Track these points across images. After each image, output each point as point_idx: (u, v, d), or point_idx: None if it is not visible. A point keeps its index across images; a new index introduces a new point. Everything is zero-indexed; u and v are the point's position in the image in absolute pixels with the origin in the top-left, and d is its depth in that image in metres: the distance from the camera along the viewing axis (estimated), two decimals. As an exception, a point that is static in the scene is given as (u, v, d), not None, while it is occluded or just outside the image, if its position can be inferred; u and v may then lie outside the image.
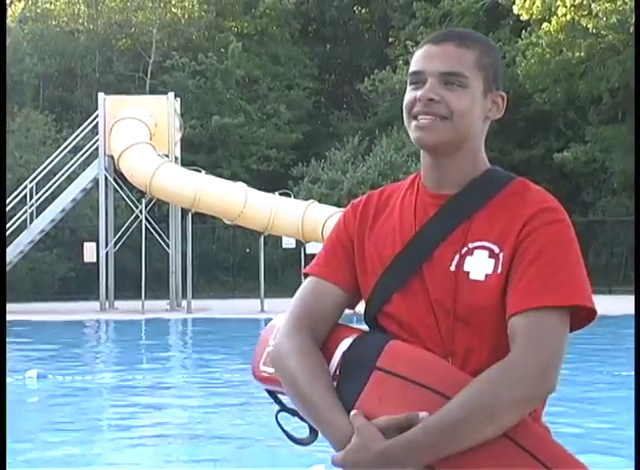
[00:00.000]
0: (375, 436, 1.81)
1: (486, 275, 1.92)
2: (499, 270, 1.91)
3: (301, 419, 2.04)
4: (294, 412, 2.06)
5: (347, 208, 2.15)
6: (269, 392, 2.13)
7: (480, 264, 1.93)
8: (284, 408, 2.10)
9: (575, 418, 8.47)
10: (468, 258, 1.94)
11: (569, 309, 1.87)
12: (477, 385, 1.82)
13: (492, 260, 1.93)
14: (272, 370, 2.06)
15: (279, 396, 2.11)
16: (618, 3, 28.56)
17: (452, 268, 1.95)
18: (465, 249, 1.95)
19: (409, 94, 2.00)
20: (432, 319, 1.95)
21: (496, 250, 1.93)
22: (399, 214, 2.05)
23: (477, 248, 1.95)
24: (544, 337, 1.84)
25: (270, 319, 2.25)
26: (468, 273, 1.93)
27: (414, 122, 1.98)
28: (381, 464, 1.79)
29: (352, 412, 1.86)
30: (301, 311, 2.05)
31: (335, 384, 1.94)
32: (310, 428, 2.04)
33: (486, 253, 1.93)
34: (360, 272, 2.07)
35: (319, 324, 2.03)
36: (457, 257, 1.95)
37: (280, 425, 2.09)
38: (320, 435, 2.01)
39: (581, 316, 1.90)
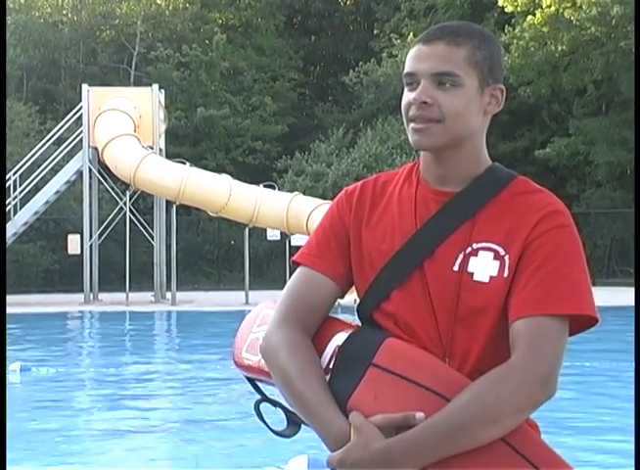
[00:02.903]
0: (375, 434, 1.79)
1: (491, 277, 1.91)
2: (505, 274, 1.90)
3: (283, 410, 2.02)
4: (275, 403, 2.04)
5: (341, 195, 2.10)
6: (249, 379, 2.10)
7: (484, 266, 1.91)
8: (265, 399, 2.07)
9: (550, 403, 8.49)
10: (472, 259, 1.92)
11: (570, 317, 1.88)
12: (480, 387, 1.81)
13: (497, 263, 1.91)
14: (255, 358, 2.04)
15: (259, 384, 2.09)
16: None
17: (455, 268, 1.93)
18: (469, 249, 1.93)
19: (405, 96, 1.98)
20: (431, 319, 1.93)
21: (502, 252, 1.92)
22: (398, 207, 2.02)
23: (481, 249, 1.93)
24: (547, 343, 1.84)
25: (255, 310, 2.23)
26: (472, 274, 1.92)
27: (411, 124, 1.97)
28: (381, 463, 1.77)
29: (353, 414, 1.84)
30: (293, 303, 2.02)
31: (327, 377, 1.92)
32: (288, 420, 2.02)
33: (491, 254, 1.92)
34: (356, 265, 2.03)
35: (311, 316, 2.00)
36: (461, 256, 1.93)
37: (260, 415, 2.05)
38: (302, 428, 2.00)
39: (582, 321, 1.91)
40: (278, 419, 2.06)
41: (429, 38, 1.98)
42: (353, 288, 2.08)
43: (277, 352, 1.95)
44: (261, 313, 2.13)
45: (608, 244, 31.75)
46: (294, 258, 2.09)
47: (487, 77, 1.99)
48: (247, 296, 24.45)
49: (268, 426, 2.05)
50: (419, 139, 1.96)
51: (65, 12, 39.34)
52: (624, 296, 22.55)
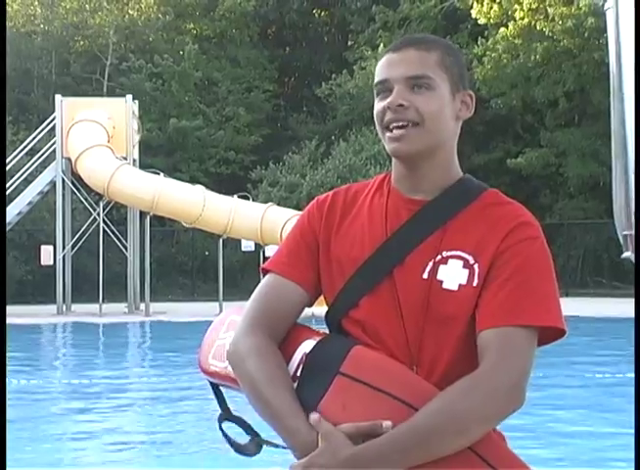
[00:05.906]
0: (343, 442, 1.78)
1: (460, 285, 1.90)
2: (475, 283, 1.90)
3: (245, 430, 2.02)
4: (237, 421, 2.03)
5: (312, 203, 2.10)
6: (213, 387, 2.09)
7: (454, 274, 1.91)
8: (228, 416, 2.06)
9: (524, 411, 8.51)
10: (442, 267, 1.92)
11: (539, 328, 1.89)
12: (448, 397, 1.80)
13: (466, 271, 1.91)
14: (222, 364, 2.03)
15: (222, 391, 2.09)
16: (573, 8, 28.82)
17: (425, 276, 1.92)
18: (439, 257, 1.93)
19: (378, 105, 1.98)
20: (400, 327, 1.92)
21: (471, 261, 1.92)
22: (368, 215, 2.01)
23: (451, 257, 1.93)
24: (515, 354, 1.84)
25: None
26: (441, 282, 1.91)
27: (387, 134, 1.96)
28: None
29: (313, 415, 1.82)
30: (261, 309, 2.01)
31: (295, 385, 1.91)
32: (251, 438, 2.01)
33: (461, 263, 1.92)
34: (324, 273, 2.03)
35: (279, 323, 1.99)
36: (431, 264, 1.93)
37: (223, 432, 2.05)
38: (265, 448, 2.00)
39: (550, 332, 1.91)
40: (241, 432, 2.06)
41: (398, 47, 2.00)
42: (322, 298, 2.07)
43: (245, 359, 1.94)
44: (228, 319, 2.11)
45: (580, 254, 31.91)
46: (263, 265, 2.08)
47: (458, 82, 2.01)
48: (221, 307, 24.35)
49: (231, 443, 2.04)
50: (398, 146, 1.96)
51: (37, 22, 39.18)
52: (597, 306, 22.72)
